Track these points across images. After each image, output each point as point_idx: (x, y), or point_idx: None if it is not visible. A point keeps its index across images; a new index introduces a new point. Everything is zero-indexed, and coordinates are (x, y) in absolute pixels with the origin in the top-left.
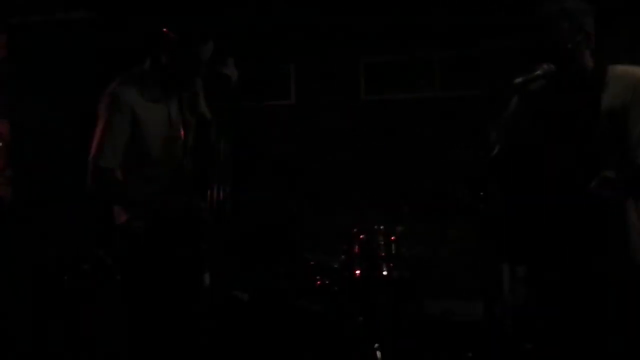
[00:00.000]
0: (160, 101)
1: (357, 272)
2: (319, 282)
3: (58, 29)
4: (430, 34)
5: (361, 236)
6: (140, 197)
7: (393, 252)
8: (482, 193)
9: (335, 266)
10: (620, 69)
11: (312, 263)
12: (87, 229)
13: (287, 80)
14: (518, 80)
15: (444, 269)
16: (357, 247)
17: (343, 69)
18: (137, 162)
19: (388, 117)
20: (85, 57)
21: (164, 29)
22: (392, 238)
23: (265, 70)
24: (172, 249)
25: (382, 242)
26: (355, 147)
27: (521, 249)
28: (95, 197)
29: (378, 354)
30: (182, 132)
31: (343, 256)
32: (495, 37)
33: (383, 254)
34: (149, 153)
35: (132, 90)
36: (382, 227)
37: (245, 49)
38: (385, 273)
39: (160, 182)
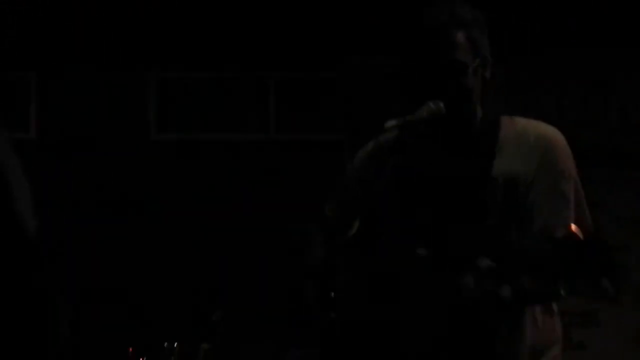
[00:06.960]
0: None
1: None
2: None
3: None
4: (261, 44)
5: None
6: None
7: None
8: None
9: None
10: (521, 124)
11: None
12: None
13: None
14: (391, 123)
15: None
16: None
17: (126, 88)
18: None
19: (189, 168)
20: None
21: None
22: None
23: None
24: None
25: None
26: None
27: None
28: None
29: None
30: None
31: None
32: (362, 53)
33: None
34: None
35: None
36: (175, 344)
37: None
38: None
39: None
